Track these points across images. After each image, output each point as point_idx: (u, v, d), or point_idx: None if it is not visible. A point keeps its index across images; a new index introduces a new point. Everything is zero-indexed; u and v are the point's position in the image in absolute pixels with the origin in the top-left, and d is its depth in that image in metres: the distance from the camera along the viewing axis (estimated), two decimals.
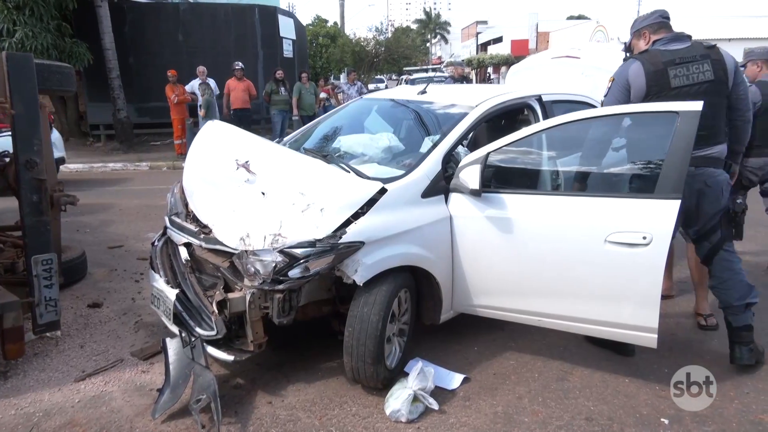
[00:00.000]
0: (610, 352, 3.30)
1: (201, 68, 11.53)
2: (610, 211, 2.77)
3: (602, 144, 3.24)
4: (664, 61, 3.05)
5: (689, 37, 3.14)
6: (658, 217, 2.63)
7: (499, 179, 3.15)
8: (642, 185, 2.91)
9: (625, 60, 3.29)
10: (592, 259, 2.80)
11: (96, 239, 5.84)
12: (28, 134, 3.21)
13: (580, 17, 65.52)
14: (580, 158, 3.32)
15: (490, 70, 49.43)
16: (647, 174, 2.91)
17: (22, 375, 3.13)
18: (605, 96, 3.29)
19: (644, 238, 2.63)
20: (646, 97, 3.08)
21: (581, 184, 3.22)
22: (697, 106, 2.69)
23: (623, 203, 2.78)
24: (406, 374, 2.89)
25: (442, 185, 3.13)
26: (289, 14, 17.99)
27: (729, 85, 3.07)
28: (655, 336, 2.74)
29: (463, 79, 11.44)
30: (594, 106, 4.03)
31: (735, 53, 3.25)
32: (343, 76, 15.09)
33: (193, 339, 2.78)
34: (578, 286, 2.88)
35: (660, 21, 3.25)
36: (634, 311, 2.75)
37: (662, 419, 2.73)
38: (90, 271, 4.76)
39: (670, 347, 3.37)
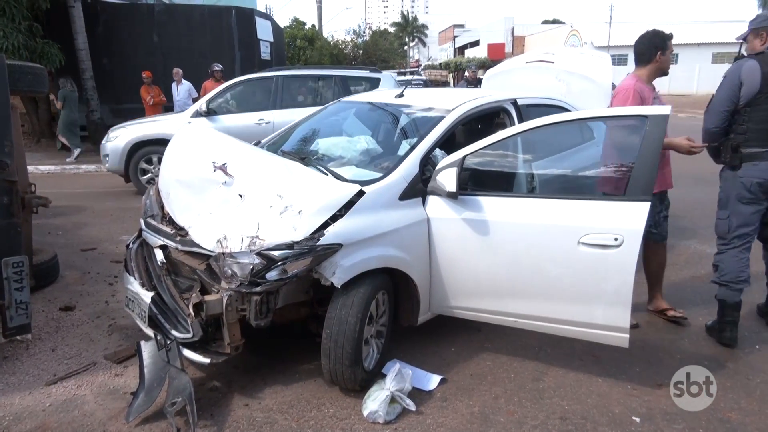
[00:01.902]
0: (583, 352, 3.36)
1: (176, 70, 11.43)
2: (583, 213, 2.82)
3: (575, 147, 3.31)
4: None
5: None
6: (629, 218, 2.69)
7: (476, 182, 3.19)
8: (614, 188, 2.98)
9: (737, 57, 3.38)
10: (566, 261, 2.85)
11: (68, 242, 5.74)
12: None
13: (555, 21, 66.52)
14: (554, 161, 3.39)
15: (466, 73, 49.81)
16: (619, 177, 2.97)
17: None
18: (717, 91, 3.38)
19: (616, 239, 2.69)
20: (757, 95, 3.21)
21: (555, 186, 3.28)
22: (665, 110, 2.77)
23: (596, 205, 2.83)
24: (384, 376, 2.91)
25: (419, 188, 3.16)
26: (266, 16, 17.91)
27: None
28: (627, 336, 2.80)
29: (478, 82, 11.36)
30: (567, 110, 4.10)
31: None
32: None
33: (168, 342, 2.76)
34: (553, 287, 2.93)
35: None
36: (606, 311, 2.80)
37: (634, 418, 2.78)
38: (62, 274, 4.68)
39: (642, 347, 3.45)
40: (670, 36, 3.59)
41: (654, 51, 3.54)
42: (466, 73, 11.50)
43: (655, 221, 3.68)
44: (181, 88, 11.40)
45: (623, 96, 3.50)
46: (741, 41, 3.50)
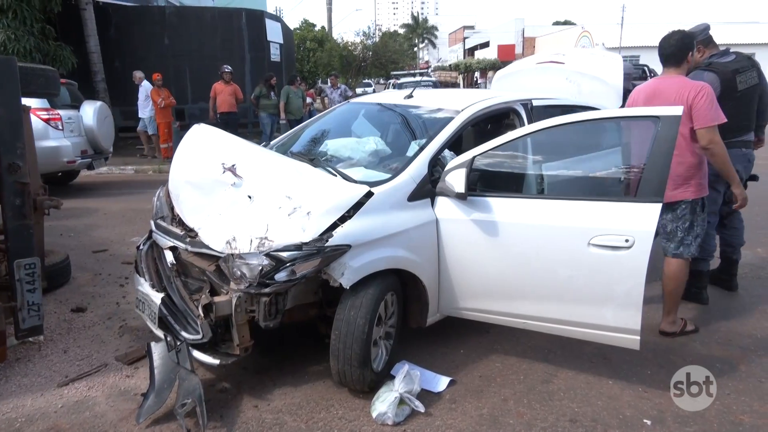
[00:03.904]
0: (593, 354, 3.34)
1: (134, 73, 11.63)
2: (593, 214, 2.80)
3: (586, 148, 3.29)
4: (731, 70, 3.78)
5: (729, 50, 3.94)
6: (640, 220, 2.67)
7: (485, 183, 3.18)
8: (625, 189, 2.96)
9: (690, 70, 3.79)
10: (576, 262, 2.83)
11: (80, 243, 5.78)
12: (11, 138, 3.18)
13: (566, 23, 66.28)
14: (564, 162, 3.36)
15: (477, 74, 49.83)
16: (630, 178, 2.95)
17: (4, 380, 3.09)
18: None
19: (627, 240, 2.67)
20: (719, 99, 3.48)
21: (565, 187, 3.26)
22: (677, 111, 2.74)
23: (606, 207, 2.81)
24: (393, 377, 2.90)
25: (428, 189, 3.15)
26: (276, 18, 17.97)
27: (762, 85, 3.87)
28: (638, 338, 2.78)
29: None
30: (579, 110, 4.08)
31: None
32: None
33: (178, 343, 2.77)
34: (563, 288, 2.91)
35: (708, 36, 3.91)
36: (616, 313, 2.78)
37: (645, 420, 2.76)
38: (74, 276, 4.71)
39: (653, 349, 3.41)
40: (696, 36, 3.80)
41: (686, 52, 3.48)
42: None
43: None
44: (141, 90, 11.62)
45: (711, 96, 3.26)
46: None
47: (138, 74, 11.70)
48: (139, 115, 11.81)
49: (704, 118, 3.20)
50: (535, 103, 3.91)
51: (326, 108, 13.43)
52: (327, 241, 2.70)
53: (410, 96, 4.03)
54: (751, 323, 3.80)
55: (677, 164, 3.26)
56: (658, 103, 3.36)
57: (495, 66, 41.07)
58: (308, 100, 13.46)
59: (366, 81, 35.89)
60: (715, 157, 3.29)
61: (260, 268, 2.65)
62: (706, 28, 3.91)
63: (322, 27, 35.66)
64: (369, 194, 2.89)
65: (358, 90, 28.72)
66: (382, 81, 39.75)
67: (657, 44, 3.67)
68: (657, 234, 3.45)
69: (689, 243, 3.43)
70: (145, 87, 11.66)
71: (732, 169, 3.37)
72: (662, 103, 3.33)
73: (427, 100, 3.96)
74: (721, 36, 3.96)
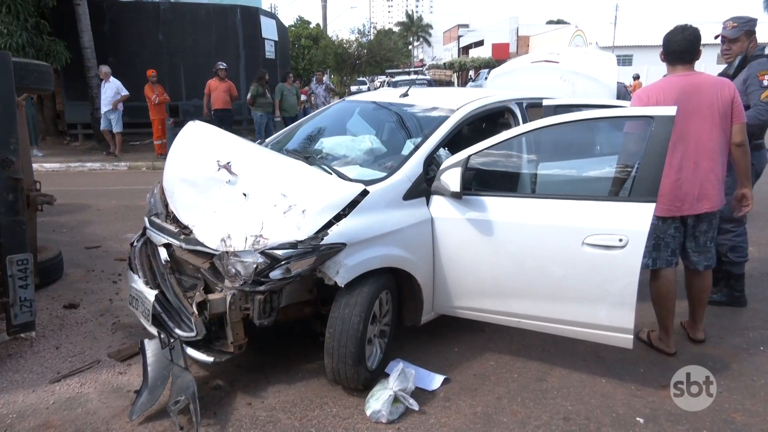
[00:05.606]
0: (586, 353, 3.35)
1: (101, 68, 11.47)
2: (587, 213, 2.81)
3: (580, 147, 3.29)
4: None
5: None
6: (634, 219, 2.68)
7: (480, 182, 3.18)
8: (619, 188, 2.97)
9: (751, 57, 3.76)
10: (570, 261, 2.84)
11: (73, 239, 5.75)
12: (4, 133, 3.16)
13: (559, 22, 66.41)
14: (558, 162, 3.37)
15: (471, 73, 49.91)
16: (624, 177, 2.96)
17: None
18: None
19: (620, 240, 2.68)
20: None
21: (560, 187, 3.27)
22: (671, 111, 2.75)
23: (600, 206, 2.82)
24: (387, 375, 2.91)
25: (423, 187, 3.15)
26: (271, 15, 17.90)
27: None
28: (631, 337, 2.79)
29: None
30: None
31: (710, 58, 3.46)
32: (325, 78, 15.20)
33: (172, 340, 2.76)
34: (556, 287, 2.92)
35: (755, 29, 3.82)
36: (610, 312, 2.79)
37: (638, 418, 2.77)
38: (66, 272, 4.69)
39: (646, 348, 3.43)
40: None
41: (699, 47, 3.24)
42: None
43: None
44: (108, 86, 11.34)
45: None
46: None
47: (104, 69, 11.37)
48: (102, 111, 11.50)
49: (742, 113, 3.13)
50: (529, 102, 3.92)
51: (312, 102, 13.50)
52: (322, 239, 2.69)
53: (405, 95, 4.03)
54: (743, 322, 3.82)
55: (727, 167, 3.21)
56: (696, 102, 3.10)
57: (489, 65, 41.11)
58: (302, 97, 13.44)
59: (360, 79, 35.77)
60: (746, 155, 3.17)
61: (255, 266, 2.65)
62: (756, 20, 3.82)
63: (317, 24, 35.50)
64: (364, 193, 2.89)
65: (353, 88, 28.67)
66: (377, 79, 39.66)
67: (650, 43, 3.69)
68: (658, 246, 3.22)
69: (713, 248, 3.34)
70: (114, 84, 11.31)
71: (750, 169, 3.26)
72: (701, 101, 3.10)
73: (422, 99, 3.96)
74: (714, 34, 3.91)
